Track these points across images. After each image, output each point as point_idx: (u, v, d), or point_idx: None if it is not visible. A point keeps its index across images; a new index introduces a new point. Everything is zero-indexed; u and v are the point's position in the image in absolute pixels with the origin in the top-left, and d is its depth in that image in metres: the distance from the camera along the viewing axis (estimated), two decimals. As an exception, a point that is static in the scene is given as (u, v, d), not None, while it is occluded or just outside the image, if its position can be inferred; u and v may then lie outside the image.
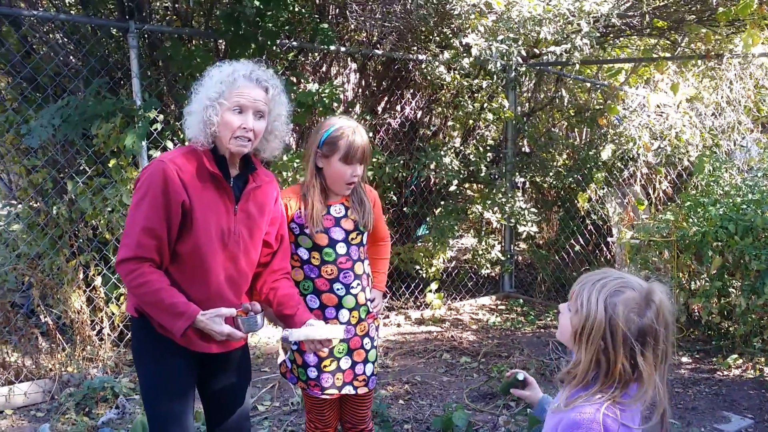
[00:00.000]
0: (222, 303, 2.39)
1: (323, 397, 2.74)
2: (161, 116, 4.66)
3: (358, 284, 2.72)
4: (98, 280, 4.77)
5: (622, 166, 6.29)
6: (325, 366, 2.70)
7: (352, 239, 2.72)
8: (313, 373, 2.71)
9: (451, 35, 5.16)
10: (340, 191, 2.71)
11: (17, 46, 4.97)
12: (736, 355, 5.03)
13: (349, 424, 2.91)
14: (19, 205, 5.21)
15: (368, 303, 2.78)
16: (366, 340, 2.77)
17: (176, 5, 5.40)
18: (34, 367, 4.54)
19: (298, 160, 5.16)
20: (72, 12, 5.47)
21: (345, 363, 2.73)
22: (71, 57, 5.28)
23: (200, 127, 2.35)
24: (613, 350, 1.65)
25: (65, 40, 5.41)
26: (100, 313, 4.81)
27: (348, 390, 2.74)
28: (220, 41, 5.21)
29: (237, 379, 2.63)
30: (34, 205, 5.09)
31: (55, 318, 4.75)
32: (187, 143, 2.49)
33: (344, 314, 2.69)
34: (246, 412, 2.69)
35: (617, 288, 1.68)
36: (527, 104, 7.48)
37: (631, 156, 6.13)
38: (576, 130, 7.31)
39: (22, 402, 4.30)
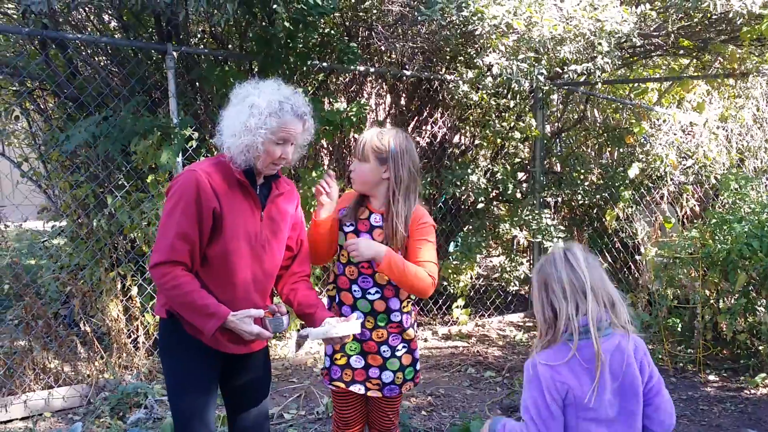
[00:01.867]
0: (248, 304, 2.53)
1: (331, 387, 2.86)
2: (196, 134, 4.87)
3: (377, 292, 2.76)
4: (134, 290, 4.97)
5: (650, 185, 6.31)
6: (336, 359, 2.83)
7: None
8: (326, 362, 2.87)
9: (474, 55, 5.29)
10: (353, 185, 2.82)
11: (63, 67, 5.24)
12: (764, 374, 4.99)
13: (375, 430, 2.97)
14: (63, 220, 5.46)
15: (391, 315, 2.78)
16: (384, 347, 2.79)
17: (212, 28, 5.64)
18: (72, 372, 4.74)
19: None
20: (114, 35, 5.75)
21: (356, 362, 2.81)
22: (113, 78, 5.55)
23: (243, 152, 2.48)
24: (539, 304, 2.14)
25: (108, 61, 5.70)
26: (135, 322, 5.01)
27: (357, 388, 2.81)
28: (254, 62, 5.42)
29: (258, 379, 2.77)
30: (77, 219, 5.33)
31: (93, 326, 4.96)
32: (216, 153, 2.65)
33: (358, 315, 2.76)
34: (266, 411, 2.82)
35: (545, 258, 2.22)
36: (556, 124, 7.54)
37: (659, 174, 6.15)
38: (607, 149, 7.35)
39: (60, 405, 4.49)
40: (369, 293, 2.77)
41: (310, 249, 2.81)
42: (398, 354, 2.81)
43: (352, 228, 2.79)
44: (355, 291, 2.79)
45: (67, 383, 4.63)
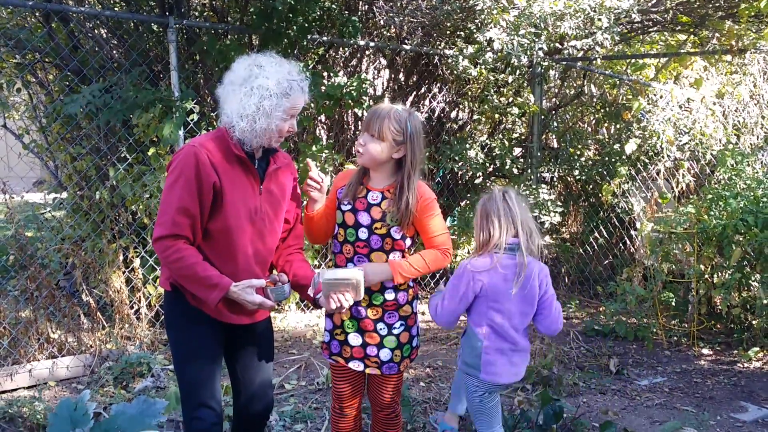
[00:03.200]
0: (250, 276, 2.58)
1: (330, 361, 2.91)
2: (197, 107, 4.89)
3: None
4: (137, 262, 5.03)
5: (647, 161, 6.36)
6: (336, 334, 2.88)
7: (376, 228, 2.74)
8: (326, 337, 2.92)
9: (475, 30, 5.30)
10: (357, 161, 2.80)
11: (65, 40, 5.24)
12: (757, 348, 5.08)
13: (376, 407, 3.00)
14: (65, 192, 5.49)
15: (385, 294, 2.80)
16: (381, 325, 2.81)
17: (213, 2, 5.64)
18: (75, 343, 4.80)
19: (326, 151, 5.36)
20: (116, 8, 5.75)
21: (354, 339, 2.84)
22: (115, 51, 5.55)
23: (259, 136, 2.52)
24: (478, 229, 2.88)
25: (109, 35, 5.70)
26: (138, 294, 5.07)
27: (356, 365, 2.85)
28: (254, 36, 5.42)
29: (262, 349, 2.82)
30: (79, 191, 5.37)
31: (96, 297, 5.02)
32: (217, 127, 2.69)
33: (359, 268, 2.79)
34: (269, 380, 2.88)
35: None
36: (554, 99, 7.57)
37: (655, 150, 6.19)
38: (604, 125, 7.39)
39: (64, 375, 4.56)
40: None
41: (306, 234, 2.88)
42: (395, 332, 2.83)
43: (349, 207, 2.79)
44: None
45: (71, 353, 4.70)
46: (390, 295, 2.81)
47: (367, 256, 2.78)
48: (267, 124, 2.50)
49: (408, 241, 2.82)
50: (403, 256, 2.81)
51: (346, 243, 2.81)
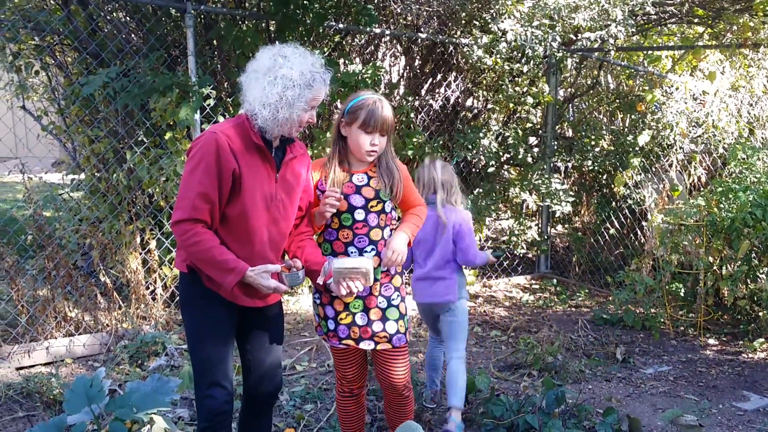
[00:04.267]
0: (264, 261, 2.66)
1: (340, 346, 2.96)
2: (214, 92, 4.95)
3: (373, 249, 2.88)
4: (153, 244, 5.12)
5: (660, 152, 6.37)
6: (341, 318, 2.93)
7: (372, 207, 2.87)
8: (332, 324, 2.96)
9: (490, 20, 5.32)
10: (362, 159, 2.88)
11: (84, 24, 5.30)
12: (762, 339, 5.11)
13: (384, 383, 3.05)
14: (82, 173, 5.59)
15: (380, 266, 2.91)
16: (380, 299, 2.90)
17: (230, -13, 5.69)
18: (92, 322, 4.91)
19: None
20: (134, -7, 5.80)
21: (360, 319, 2.91)
22: (133, 35, 5.61)
23: (281, 125, 2.59)
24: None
25: (128, 19, 5.76)
26: (153, 275, 5.17)
27: (366, 345, 2.91)
28: (271, 22, 5.47)
29: (272, 331, 2.90)
30: (96, 173, 5.46)
31: (112, 278, 5.12)
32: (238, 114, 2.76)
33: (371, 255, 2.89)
34: (278, 361, 2.95)
35: None
36: (570, 89, 7.57)
37: (669, 142, 6.21)
38: (619, 116, 7.39)
39: (81, 352, 4.67)
40: (365, 252, 2.88)
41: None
42: (394, 303, 2.93)
43: (339, 194, 2.86)
44: (351, 252, 2.88)
45: (87, 332, 4.81)
46: (384, 267, 2.92)
47: (367, 235, 2.88)
48: (289, 114, 2.56)
49: (394, 213, 3.01)
50: (392, 230, 2.97)
51: (342, 228, 2.89)
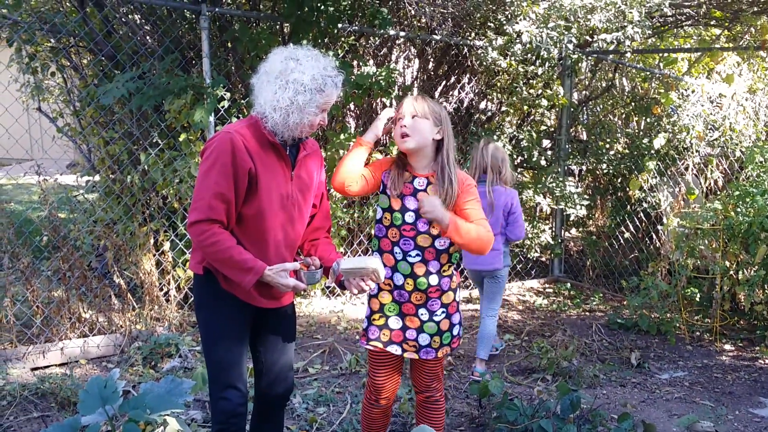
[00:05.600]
0: (279, 260, 2.65)
1: (368, 347, 2.93)
2: (228, 94, 4.96)
3: (417, 255, 2.82)
4: (167, 246, 5.14)
5: (675, 155, 6.32)
6: (374, 319, 2.92)
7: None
8: (364, 324, 2.96)
9: (504, 22, 5.30)
10: (400, 146, 2.83)
11: (99, 26, 5.33)
12: (779, 345, 5.07)
13: (416, 388, 3.06)
14: (97, 175, 5.61)
15: (430, 278, 2.83)
16: (422, 310, 2.84)
17: (245, -10, 5.70)
18: (106, 323, 4.92)
19: (354, 140, 5.41)
20: (149, -5, 5.83)
21: (394, 323, 2.89)
22: (148, 37, 5.64)
23: (292, 129, 2.58)
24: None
25: (143, 21, 5.78)
26: (167, 276, 5.18)
27: (394, 349, 2.89)
28: (285, 24, 5.47)
29: (285, 333, 2.89)
30: (111, 174, 5.48)
31: (126, 279, 5.14)
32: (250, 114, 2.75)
33: (398, 278, 2.85)
34: (290, 363, 2.94)
35: None
36: (584, 92, 7.53)
37: (685, 146, 6.16)
38: (634, 119, 7.34)
39: (95, 353, 4.68)
40: (409, 255, 2.83)
41: (342, 169, 2.89)
42: (436, 319, 2.87)
43: (397, 192, 2.85)
44: (396, 253, 2.85)
45: (102, 333, 4.82)
46: (434, 280, 2.84)
47: (413, 239, 2.83)
48: (300, 119, 2.55)
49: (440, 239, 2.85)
50: (451, 245, 2.84)
51: (392, 227, 2.86)
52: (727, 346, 5.26)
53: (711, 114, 5.92)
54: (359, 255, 5.68)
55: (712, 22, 6.43)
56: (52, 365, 4.51)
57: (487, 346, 4.54)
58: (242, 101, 5.29)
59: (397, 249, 2.86)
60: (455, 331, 2.95)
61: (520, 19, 4.82)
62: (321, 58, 2.61)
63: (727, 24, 6.38)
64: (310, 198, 2.79)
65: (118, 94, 4.62)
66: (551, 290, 6.96)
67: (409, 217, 2.83)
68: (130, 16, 5.75)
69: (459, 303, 2.98)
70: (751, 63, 6.24)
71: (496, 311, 4.65)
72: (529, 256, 6.93)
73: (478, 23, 6.07)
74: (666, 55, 6.98)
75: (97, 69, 5.42)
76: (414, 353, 2.89)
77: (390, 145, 5.95)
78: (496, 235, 4.33)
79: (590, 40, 5.19)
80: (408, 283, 2.85)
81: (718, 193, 6.11)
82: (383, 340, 2.91)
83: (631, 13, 4.72)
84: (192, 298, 5.10)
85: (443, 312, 2.88)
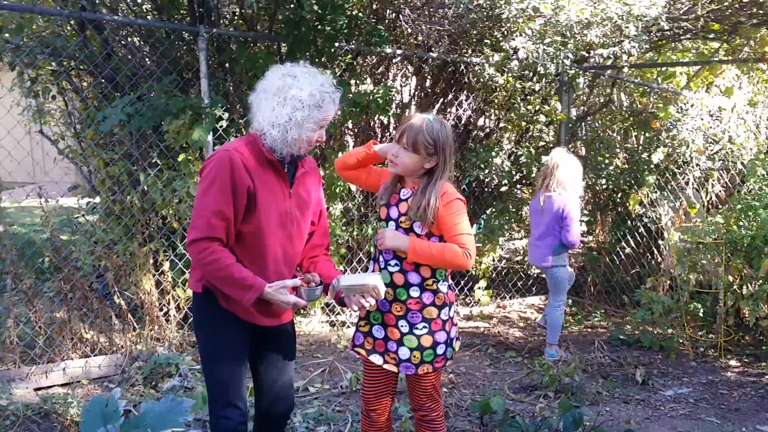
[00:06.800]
0: (278, 277, 2.65)
1: (352, 352, 2.97)
2: (227, 114, 4.99)
3: (396, 264, 2.83)
4: (166, 266, 5.14)
5: (675, 170, 6.31)
6: (360, 326, 2.95)
7: (401, 222, 2.82)
8: (352, 331, 2.97)
9: (501, 38, 5.33)
10: (388, 168, 2.91)
11: (99, 48, 5.38)
12: (786, 360, 5.02)
13: (413, 407, 3.05)
14: (98, 197, 5.63)
15: (410, 290, 2.82)
16: (402, 322, 2.83)
17: (242, 10, 5.74)
18: (107, 343, 4.92)
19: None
20: (148, 17, 5.88)
21: (377, 332, 2.90)
22: (146, 58, 5.68)
23: (290, 145, 2.59)
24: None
25: (142, 43, 5.83)
26: (167, 296, 5.18)
27: (376, 359, 2.89)
28: (283, 44, 5.51)
29: (284, 351, 2.89)
30: (111, 195, 5.50)
31: (127, 299, 5.14)
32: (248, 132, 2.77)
33: (383, 275, 2.87)
34: (290, 381, 2.94)
35: None
36: (582, 107, 7.55)
37: (685, 160, 6.15)
38: (633, 134, 7.34)
39: (96, 374, 4.68)
40: (389, 265, 2.85)
41: (342, 160, 3.04)
42: (417, 333, 2.83)
43: (384, 201, 2.90)
44: (380, 261, 2.89)
45: (103, 353, 4.82)
46: (414, 293, 2.83)
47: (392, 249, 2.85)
48: (298, 135, 2.57)
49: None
50: None
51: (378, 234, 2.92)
52: (733, 362, 5.21)
53: (711, 127, 5.91)
54: (359, 272, 5.67)
55: (710, 36, 6.44)
56: (54, 385, 4.51)
57: (553, 332, 5.19)
58: (240, 121, 5.31)
59: (381, 257, 2.89)
60: (440, 350, 2.87)
61: (517, 35, 4.85)
62: (318, 75, 2.63)
63: (726, 37, 6.39)
64: (309, 215, 2.80)
65: (117, 120, 4.65)
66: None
67: (391, 226, 2.86)
68: (129, 39, 5.80)
69: (448, 321, 2.90)
70: (751, 76, 6.24)
71: (558, 303, 5.23)
72: (529, 272, 6.90)
73: (474, 40, 6.10)
74: (664, 69, 6.99)
75: (97, 91, 5.46)
76: (394, 366, 2.88)
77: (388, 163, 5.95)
78: (547, 237, 5.02)
79: (587, 55, 5.21)
80: (389, 293, 2.86)
81: (720, 207, 6.09)
82: (366, 348, 2.92)
83: (627, 27, 4.74)
84: (192, 318, 5.09)
85: (425, 327, 2.84)
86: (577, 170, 5.06)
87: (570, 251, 5.42)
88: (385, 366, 2.89)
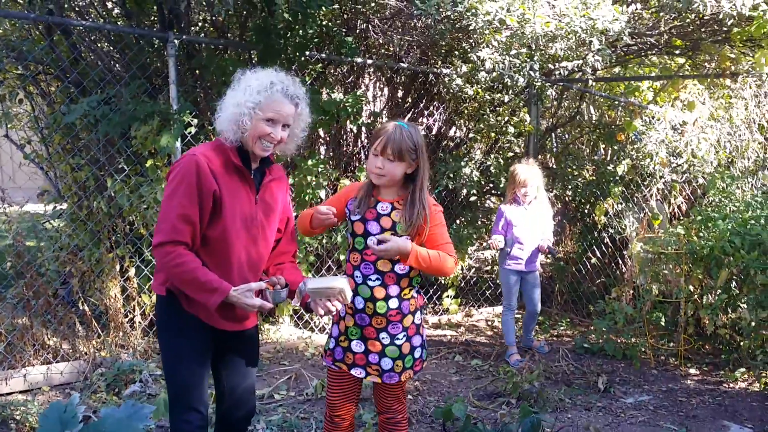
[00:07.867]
0: (242, 281, 2.67)
1: (333, 367, 2.97)
2: (195, 120, 4.98)
3: (378, 279, 2.85)
4: (132, 272, 5.10)
5: (640, 182, 6.42)
6: (340, 341, 2.95)
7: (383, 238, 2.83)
8: (331, 343, 2.99)
9: (469, 50, 5.40)
10: (372, 179, 2.89)
11: (67, 52, 5.34)
12: (743, 369, 5.11)
13: (378, 410, 3.09)
14: (65, 202, 5.58)
15: (389, 302, 2.86)
16: (383, 334, 2.86)
17: (212, 17, 5.75)
18: (70, 350, 4.87)
19: (322, 166, 5.44)
20: (117, 23, 5.85)
21: (357, 346, 2.91)
22: (115, 64, 5.65)
23: (231, 127, 2.63)
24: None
25: (110, 48, 5.80)
26: (132, 302, 5.14)
27: (358, 372, 2.91)
28: (253, 52, 5.52)
29: (247, 356, 2.90)
30: (77, 201, 5.45)
31: (91, 306, 5.09)
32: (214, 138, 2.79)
33: (359, 301, 2.88)
34: (252, 386, 2.94)
35: None
36: (551, 120, 7.65)
37: (649, 172, 6.26)
38: (601, 146, 7.46)
39: (58, 380, 4.63)
40: (369, 279, 2.86)
41: (301, 223, 2.99)
42: (398, 342, 2.88)
43: (359, 217, 2.89)
44: (356, 277, 2.88)
45: (65, 359, 4.77)
46: (393, 303, 2.87)
47: (374, 264, 2.86)
48: (238, 114, 2.59)
49: None
50: (411, 269, 2.87)
51: (354, 251, 2.92)
52: (692, 370, 5.31)
53: (674, 141, 6.03)
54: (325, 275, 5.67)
55: (676, 52, 6.58)
56: (14, 392, 4.46)
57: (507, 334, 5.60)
58: (210, 127, 5.31)
59: (357, 273, 2.89)
60: (417, 354, 2.96)
61: (483, 47, 4.91)
62: (282, 74, 2.69)
63: (690, 53, 6.53)
64: (275, 221, 2.82)
65: (81, 112, 4.61)
66: (520, 316, 6.98)
67: (372, 241, 2.85)
68: (98, 44, 5.77)
69: (420, 325, 2.98)
70: (713, 91, 6.39)
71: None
72: (497, 281, 6.95)
73: (443, 51, 6.16)
74: (629, 83, 7.12)
75: (64, 95, 5.42)
76: (377, 377, 2.91)
77: (359, 171, 5.98)
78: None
79: (553, 68, 5.30)
80: (368, 307, 2.87)
81: (682, 218, 6.21)
82: (347, 362, 2.94)
83: (591, 41, 4.83)
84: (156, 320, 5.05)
85: (404, 335, 2.90)
86: (511, 178, 5.50)
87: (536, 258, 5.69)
88: (368, 378, 2.92)
